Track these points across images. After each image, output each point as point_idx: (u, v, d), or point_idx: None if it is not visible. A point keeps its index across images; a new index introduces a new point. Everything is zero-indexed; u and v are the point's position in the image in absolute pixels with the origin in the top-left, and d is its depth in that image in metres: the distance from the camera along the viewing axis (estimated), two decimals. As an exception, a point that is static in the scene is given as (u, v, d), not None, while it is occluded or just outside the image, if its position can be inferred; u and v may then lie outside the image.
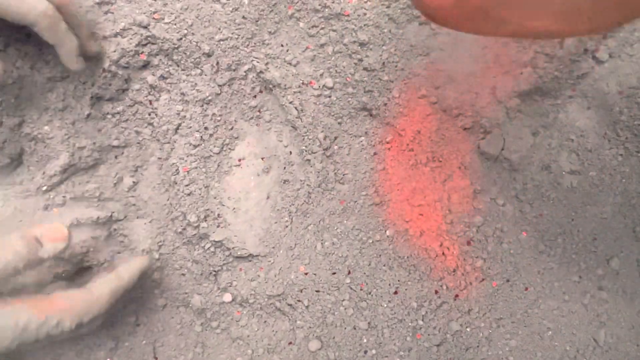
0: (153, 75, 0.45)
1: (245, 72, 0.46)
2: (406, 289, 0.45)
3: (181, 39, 0.44)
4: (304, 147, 0.46)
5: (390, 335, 0.44)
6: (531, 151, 0.48)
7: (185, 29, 0.44)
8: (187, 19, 0.44)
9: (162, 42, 0.44)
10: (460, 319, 0.45)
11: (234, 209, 0.47)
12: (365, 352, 0.43)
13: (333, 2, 0.44)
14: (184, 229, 0.45)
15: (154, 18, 0.43)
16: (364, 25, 0.45)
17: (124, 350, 0.41)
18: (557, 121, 0.48)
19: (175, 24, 0.44)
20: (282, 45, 0.45)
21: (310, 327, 0.43)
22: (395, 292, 0.45)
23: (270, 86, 0.46)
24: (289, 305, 0.44)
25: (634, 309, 0.47)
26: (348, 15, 0.45)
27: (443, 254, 0.46)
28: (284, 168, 0.46)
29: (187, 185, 0.46)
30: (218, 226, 0.46)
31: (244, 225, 0.47)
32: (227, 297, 0.44)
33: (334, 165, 0.46)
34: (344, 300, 0.44)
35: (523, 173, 0.48)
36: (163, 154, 0.46)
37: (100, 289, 0.34)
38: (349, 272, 0.45)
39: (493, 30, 0.28)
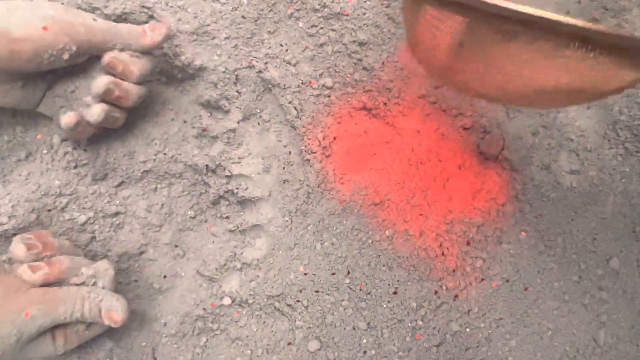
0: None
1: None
2: (405, 289, 0.45)
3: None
4: (303, 147, 0.46)
5: (390, 335, 0.44)
6: (531, 151, 0.48)
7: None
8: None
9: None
10: (459, 319, 0.45)
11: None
12: (365, 352, 0.43)
13: (332, 2, 0.44)
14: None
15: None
16: (364, 24, 0.45)
17: (124, 351, 0.41)
18: (557, 121, 0.48)
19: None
20: (281, 45, 0.45)
21: (309, 328, 0.43)
22: (395, 293, 0.45)
23: (270, 86, 0.46)
24: (288, 305, 0.44)
25: (634, 309, 0.47)
26: (347, 15, 0.44)
27: (443, 254, 0.46)
28: (284, 168, 0.46)
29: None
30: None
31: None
32: (227, 300, 0.44)
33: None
34: (343, 300, 0.44)
35: (523, 173, 0.48)
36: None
37: None
38: (349, 273, 0.45)
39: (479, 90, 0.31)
